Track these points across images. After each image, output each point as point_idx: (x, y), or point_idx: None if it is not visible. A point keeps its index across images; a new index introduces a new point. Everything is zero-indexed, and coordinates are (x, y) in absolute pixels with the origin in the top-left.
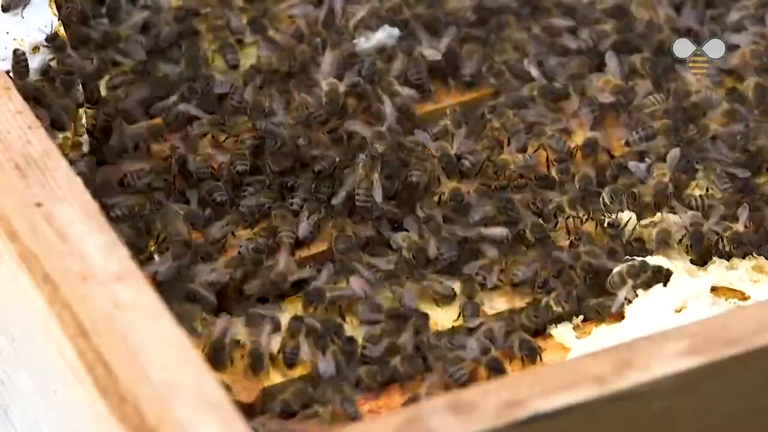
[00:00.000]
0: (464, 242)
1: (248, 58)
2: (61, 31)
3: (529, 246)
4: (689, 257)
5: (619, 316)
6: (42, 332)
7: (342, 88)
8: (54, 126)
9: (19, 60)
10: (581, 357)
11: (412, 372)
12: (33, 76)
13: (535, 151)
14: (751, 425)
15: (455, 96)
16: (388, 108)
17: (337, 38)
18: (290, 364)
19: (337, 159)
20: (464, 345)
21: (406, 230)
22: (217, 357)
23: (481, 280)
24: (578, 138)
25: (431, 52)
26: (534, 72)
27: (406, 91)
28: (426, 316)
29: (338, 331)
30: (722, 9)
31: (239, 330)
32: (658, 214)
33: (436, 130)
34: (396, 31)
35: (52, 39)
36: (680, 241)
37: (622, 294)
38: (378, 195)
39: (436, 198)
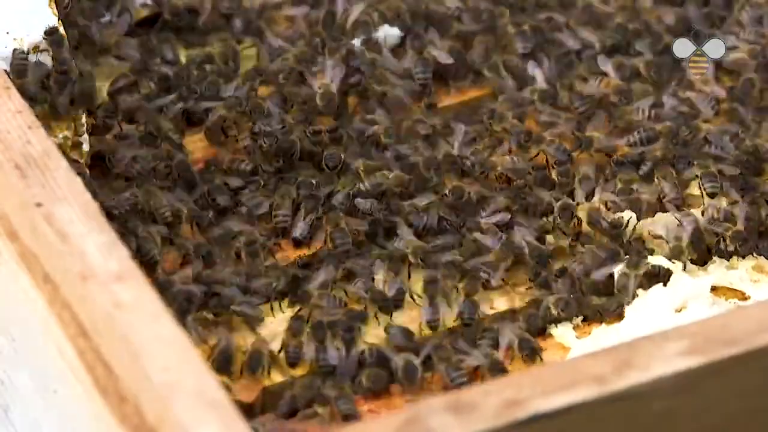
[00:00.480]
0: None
1: (247, 59)
2: (61, 29)
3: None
4: (689, 257)
5: (619, 316)
6: (42, 332)
7: (336, 87)
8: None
9: (19, 59)
10: (581, 357)
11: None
12: (31, 74)
13: (536, 156)
14: (751, 425)
15: (455, 96)
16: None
17: (335, 44)
18: (293, 363)
19: (342, 156)
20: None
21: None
22: (224, 367)
23: (484, 277)
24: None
25: (442, 54)
26: (537, 74)
27: (401, 83)
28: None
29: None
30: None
31: (241, 338)
32: (658, 214)
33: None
34: (396, 30)
35: (50, 33)
36: (689, 245)
37: (628, 286)
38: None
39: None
